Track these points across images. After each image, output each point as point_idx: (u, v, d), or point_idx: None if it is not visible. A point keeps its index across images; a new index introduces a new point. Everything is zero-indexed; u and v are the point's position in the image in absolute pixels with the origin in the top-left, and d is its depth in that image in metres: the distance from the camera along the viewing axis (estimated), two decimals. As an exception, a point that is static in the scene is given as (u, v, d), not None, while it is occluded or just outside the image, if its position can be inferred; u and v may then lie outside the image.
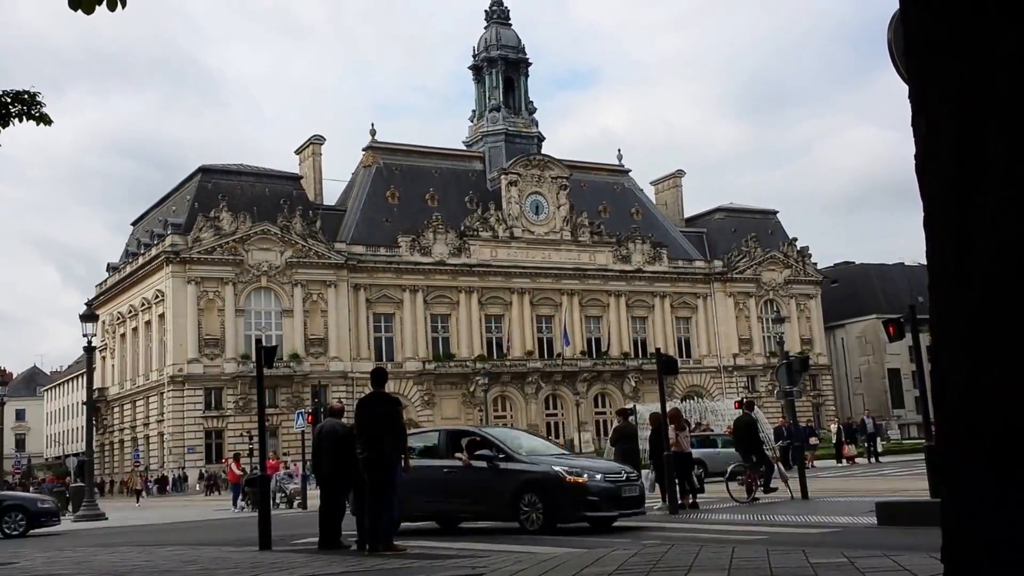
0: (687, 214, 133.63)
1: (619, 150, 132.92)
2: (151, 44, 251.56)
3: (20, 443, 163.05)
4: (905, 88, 4.00)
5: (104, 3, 8.64)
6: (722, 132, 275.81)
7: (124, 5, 8.72)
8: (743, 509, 27.09)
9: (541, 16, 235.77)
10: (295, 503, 45.61)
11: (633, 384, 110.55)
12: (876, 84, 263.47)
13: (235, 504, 48.36)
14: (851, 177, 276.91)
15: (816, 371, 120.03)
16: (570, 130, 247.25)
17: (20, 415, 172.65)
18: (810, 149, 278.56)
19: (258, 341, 27.73)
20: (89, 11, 8.65)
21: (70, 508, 49.29)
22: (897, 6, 4.07)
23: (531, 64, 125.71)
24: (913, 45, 3.83)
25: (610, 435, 39.17)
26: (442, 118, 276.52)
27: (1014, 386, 3.38)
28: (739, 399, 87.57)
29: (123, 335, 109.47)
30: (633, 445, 30.55)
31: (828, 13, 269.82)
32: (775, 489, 30.13)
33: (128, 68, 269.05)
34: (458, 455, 23.14)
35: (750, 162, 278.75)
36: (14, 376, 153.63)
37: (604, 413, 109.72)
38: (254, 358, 23.86)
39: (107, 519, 42.31)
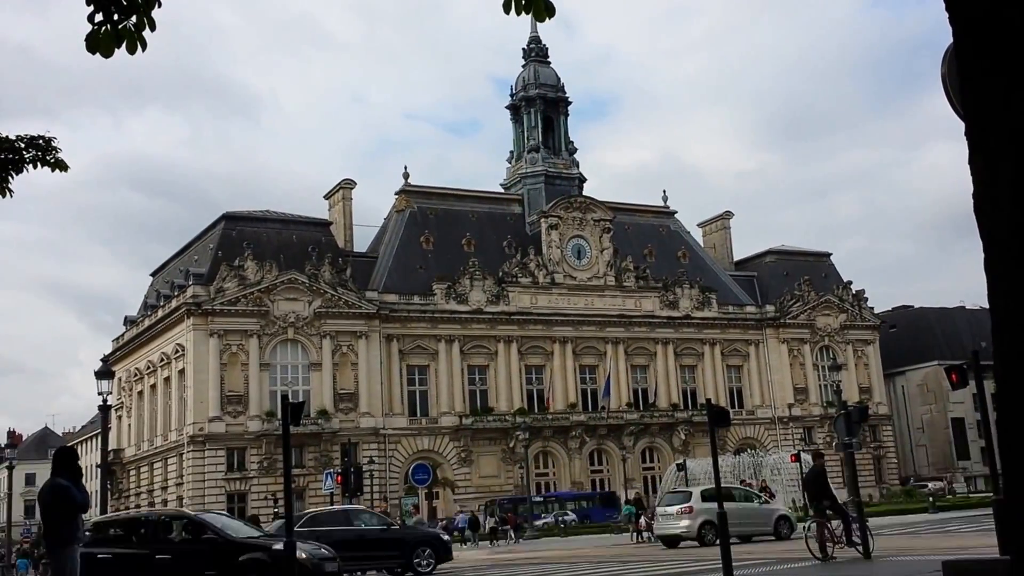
0: (736, 257, 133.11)
1: (664, 191, 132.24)
2: (170, 64, 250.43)
3: (30, 509, 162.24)
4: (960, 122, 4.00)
5: (124, 46, 8.65)
6: (759, 162, 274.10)
7: (144, 48, 8.72)
8: (813, 570, 26.78)
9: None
10: None
11: (683, 437, 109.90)
12: (920, 110, 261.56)
13: None
14: (903, 213, 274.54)
15: (876, 421, 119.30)
16: (589, 163, 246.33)
17: (30, 479, 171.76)
18: (857, 182, 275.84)
19: (284, 397, 27.17)
20: (108, 54, 8.65)
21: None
22: (938, 37, 3.68)
23: (571, 103, 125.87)
24: (968, 82, 3.82)
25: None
26: (479, 159, 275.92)
27: None
28: (794, 452, 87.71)
29: (140, 392, 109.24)
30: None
31: (856, 33, 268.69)
32: (857, 543, 29.69)
33: (145, 90, 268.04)
34: None
35: (791, 196, 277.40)
36: (24, 438, 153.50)
37: (652, 468, 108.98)
38: (280, 415, 23.38)
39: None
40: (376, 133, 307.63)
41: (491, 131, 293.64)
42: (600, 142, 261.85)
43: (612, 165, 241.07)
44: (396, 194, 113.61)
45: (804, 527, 31.19)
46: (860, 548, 29.46)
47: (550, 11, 8.44)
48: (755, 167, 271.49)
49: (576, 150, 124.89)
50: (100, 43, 8.53)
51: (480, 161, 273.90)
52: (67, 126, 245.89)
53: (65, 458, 17.21)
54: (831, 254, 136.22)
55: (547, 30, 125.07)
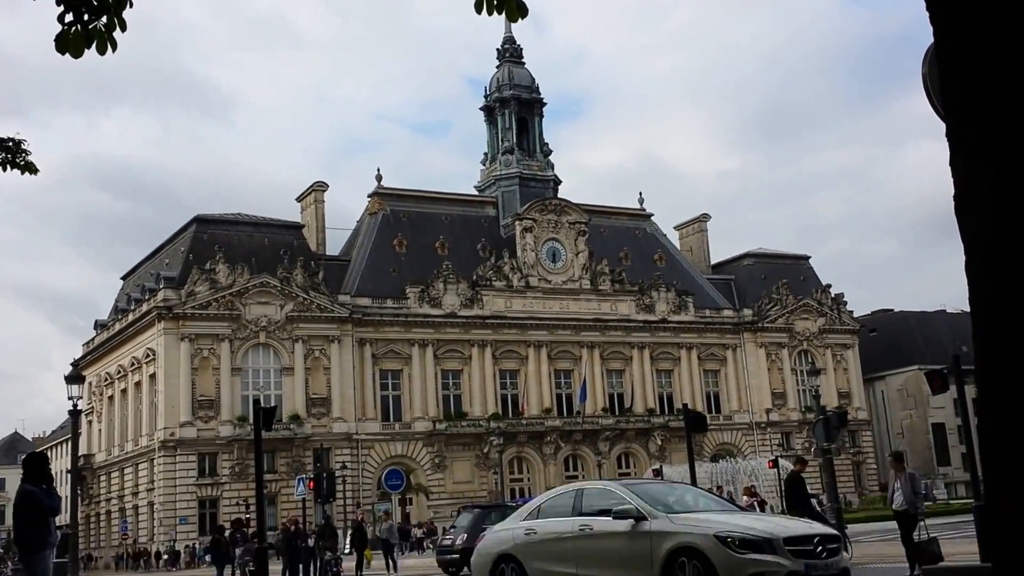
0: (714, 260, 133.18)
1: (640, 193, 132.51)
2: (140, 63, 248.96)
3: (0, 515, 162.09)
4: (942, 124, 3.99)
5: (93, 46, 8.47)
6: (737, 162, 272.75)
7: (115, 48, 8.56)
8: None
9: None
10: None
11: (659, 442, 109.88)
12: (901, 108, 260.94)
13: None
14: (884, 214, 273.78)
15: (855, 426, 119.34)
16: (564, 163, 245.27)
17: (0, 485, 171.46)
18: (832, 183, 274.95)
19: (256, 402, 26.97)
20: (77, 55, 8.49)
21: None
22: (918, 34, 3.40)
23: (546, 104, 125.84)
24: (949, 81, 3.80)
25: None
26: (450, 159, 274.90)
27: None
28: (772, 458, 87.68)
29: (111, 397, 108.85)
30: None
31: (835, 30, 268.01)
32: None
33: (113, 88, 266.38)
34: None
35: (770, 197, 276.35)
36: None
37: (628, 474, 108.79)
38: (252, 420, 22.98)
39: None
40: (346, 133, 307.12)
41: (462, 131, 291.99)
42: (574, 142, 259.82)
43: (587, 166, 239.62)
44: (368, 196, 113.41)
45: None
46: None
47: (523, 11, 8.23)
48: (733, 167, 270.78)
49: (551, 152, 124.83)
50: (70, 44, 8.39)
51: (451, 162, 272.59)
52: (36, 126, 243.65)
53: (35, 464, 17.15)
54: (810, 257, 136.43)
55: (518, 29, 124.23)
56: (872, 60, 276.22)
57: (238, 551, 48.01)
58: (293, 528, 44.69)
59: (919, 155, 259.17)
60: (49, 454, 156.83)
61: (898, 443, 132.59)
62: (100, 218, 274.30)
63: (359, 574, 44.53)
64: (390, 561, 46.94)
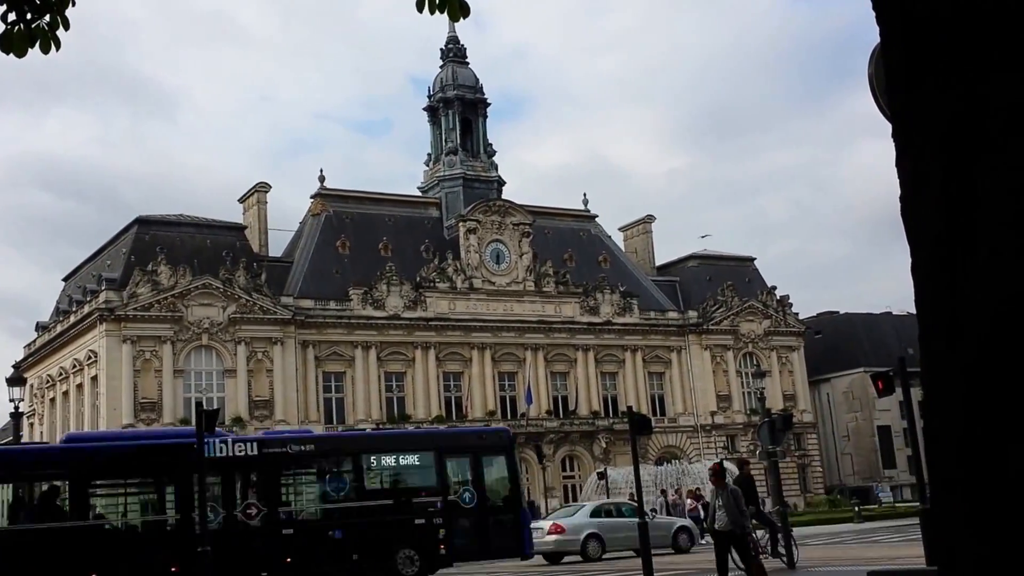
0: (659, 261, 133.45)
1: (584, 194, 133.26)
2: (82, 60, 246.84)
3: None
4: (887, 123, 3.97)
5: (37, 45, 8.51)
6: (683, 163, 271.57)
7: (59, 47, 8.59)
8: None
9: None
10: None
11: (604, 445, 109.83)
12: (847, 108, 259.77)
13: None
14: (832, 215, 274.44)
15: (801, 429, 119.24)
16: (507, 163, 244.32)
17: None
18: (780, 183, 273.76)
19: (198, 404, 27.27)
20: (21, 54, 8.52)
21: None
22: (864, 33, 3.68)
23: (490, 104, 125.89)
24: (896, 82, 3.80)
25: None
26: (393, 159, 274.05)
27: (1014, 446, 3.29)
28: (717, 461, 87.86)
29: (53, 399, 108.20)
30: None
31: (781, 28, 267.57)
32: (782, 553, 29.70)
33: (54, 85, 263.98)
34: None
35: (717, 198, 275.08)
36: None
37: (573, 477, 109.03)
38: (194, 422, 23.07)
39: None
40: (288, 133, 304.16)
41: (405, 131, 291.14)
42: (519, 141, 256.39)
43: (531, 165, 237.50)
44: (311, 198, 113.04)
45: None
46: (785, 559, 29.50)
47: (464, 10, 8.47)
48: (679, 166, 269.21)
49: (495, 152, 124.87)
50: (13, 43, 8.41)
51: (394, 161, 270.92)
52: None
53: None
54: (755, 259, 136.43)
55: (461, 28, 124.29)
56: (819, 59, 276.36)
57: None
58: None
59: (867, 155, 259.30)
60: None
61: (844, 446, 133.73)
62: (42, 218, 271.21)
63: None
64: None
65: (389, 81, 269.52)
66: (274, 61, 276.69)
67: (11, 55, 8.44)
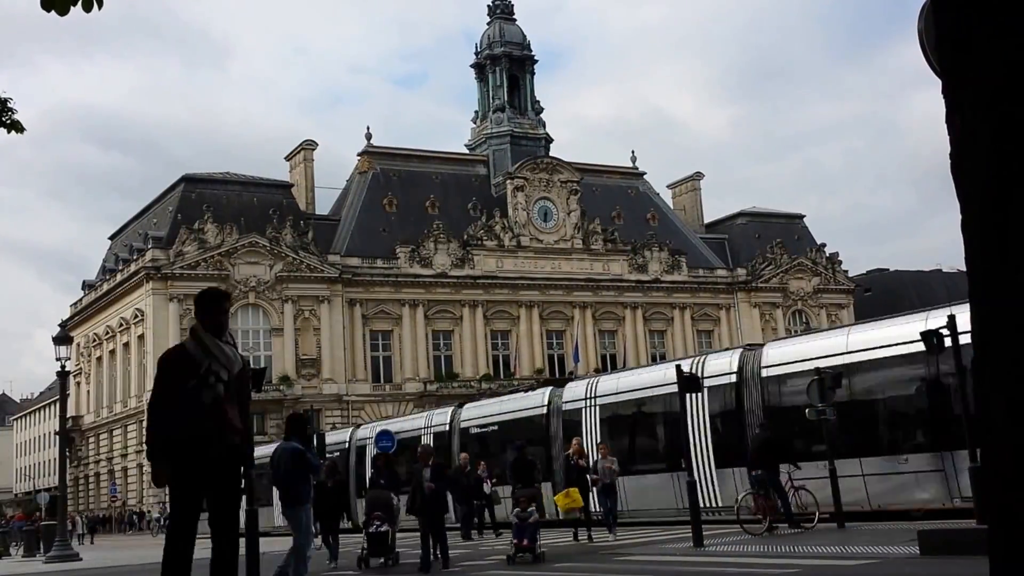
0: (707, 219, 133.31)
1: (632, 151, 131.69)
2: (122, 11, 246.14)
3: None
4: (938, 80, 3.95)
5: (80, 4, 8.31)
6: (729, 117, 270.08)
7: (100, 6, 8.43)
8: (764, 540, 26.63)
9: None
10: None
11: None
12: (904, 58, 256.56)
13: None
14: (881, 169, 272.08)
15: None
16: (549, 117, 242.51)
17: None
18: (833, 136, 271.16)
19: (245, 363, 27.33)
20: (63, 12, 8.34)
21: (40, 548, 48.84)
22: None
23: (537, 61, 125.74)
24: (946, 38, 3.78)
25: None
26: (437, 115, 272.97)
27: None
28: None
29: (99, 358, 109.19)
30: None
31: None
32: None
33: (97, 34, 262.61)
34: None
35: (764, 153, 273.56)
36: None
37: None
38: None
39: (81, 560, 41.51)
40: (326, 84, 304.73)
41: (444, 84, 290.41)
42: (560, 95, 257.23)
43: (576, 118, 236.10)
44: (358, 155, 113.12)
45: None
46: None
47: None
48: (727, 119, 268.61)
49: (542, 110, 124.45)
50: (56, 1, 8.27)
51: (434, 115, 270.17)
52: (19, 71, 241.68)
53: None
54: (804, 216, 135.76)
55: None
56: (869, 9, 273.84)
57: None
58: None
59: (917, 109, 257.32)
60: (37, 415, 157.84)
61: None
62: (85, 171, 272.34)
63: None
64: None
65: (428, 34, 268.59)
66: (316, 12, 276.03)
67: (51, 12, 8.26)
